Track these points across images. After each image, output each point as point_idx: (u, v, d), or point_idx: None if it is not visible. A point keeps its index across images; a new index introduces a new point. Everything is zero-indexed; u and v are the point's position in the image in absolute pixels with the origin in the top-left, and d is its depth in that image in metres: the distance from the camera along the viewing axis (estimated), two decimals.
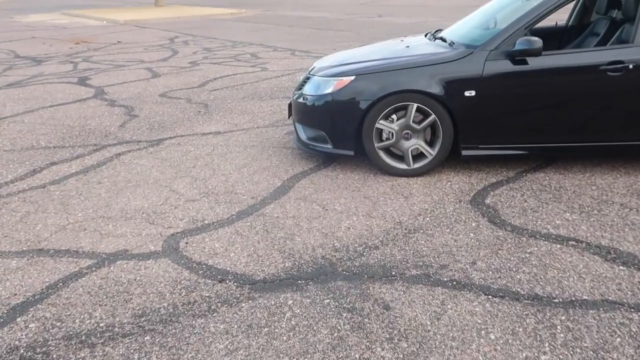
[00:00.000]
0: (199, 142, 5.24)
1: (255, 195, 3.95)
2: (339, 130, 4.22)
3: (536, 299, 2.59)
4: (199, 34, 14.72)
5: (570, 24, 5.12)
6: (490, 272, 2.84)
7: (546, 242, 3.12)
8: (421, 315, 2.51)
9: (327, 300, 2.65)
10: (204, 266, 3.01)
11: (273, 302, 2.65)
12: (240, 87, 7.64)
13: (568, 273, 2.80)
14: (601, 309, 2.49)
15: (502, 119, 3.97)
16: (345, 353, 2.29)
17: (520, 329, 2.38)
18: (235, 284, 2.83)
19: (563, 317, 2.45)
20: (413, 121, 4.04)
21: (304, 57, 10.14)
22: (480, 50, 3.92)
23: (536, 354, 2.23)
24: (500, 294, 2.64)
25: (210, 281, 2.86)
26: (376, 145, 4.13)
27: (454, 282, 2.76)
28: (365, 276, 2.86)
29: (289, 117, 4.84)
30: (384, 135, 4.14)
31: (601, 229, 3.24)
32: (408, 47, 4.55)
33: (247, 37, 13.40)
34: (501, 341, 2.31)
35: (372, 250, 3.12)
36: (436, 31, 4.97)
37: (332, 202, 3.78)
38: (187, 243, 3.28)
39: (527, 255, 2.98)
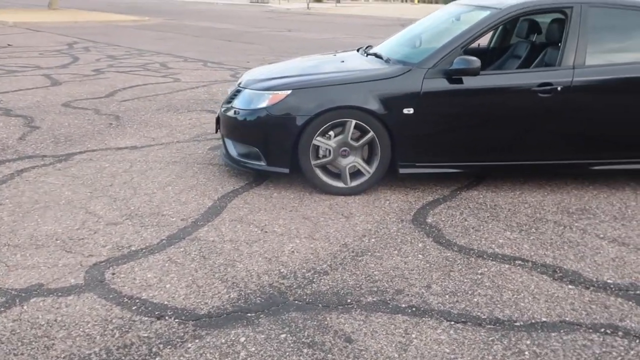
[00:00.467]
0: (113, 157, 4.79)
1: (185, 217, 3.63)
2: (273, 147, 4.01)
3: (498, 323, 2.53)
4: (100, 40, 13.87)
5: (491, 45, 5.28)
6: (447, 296, 2.75)
7: (494, 262, 3.10)
8: (387, 347, 2.35)
9: (284, 335, 2.42)
10: (137, 301, 2.67)
11: (223, 340, 2.38)
12: (153, 98, 7.18)
13: (522, 294, 2.77)
14: (562, 331, 2.47)
15: (439, 137, 3.96)
16: None
17: (490, 357, 2.29)
18: (176, 320, 2.52)
19: (528, 342, 2.39)
20: (351, 138, 3.92)
21: (217, 69, 9.81)
22: (418, 68, 3.89)
23: None
24: (462, 320, 2.55)
25: (147, 318, 2.53)
26: (313, 162, 3.96)
27: (413, 308, 2.64)
28: (320, 305, 2.66)
29: (216, 132, 4.56)
30: (321, 153, 3.98)
31: (542, 247, 3.28)
32: (343, 62, 4.44)
33: (153, 46, 12.81)
34: None
35: (322, 275, 2.93)
36: (367, 47, 4.92)
37: (271, 224, 3.56)
38: (113, 274, 2.91)
39: (479, 277, 2.94)
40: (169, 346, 2.33)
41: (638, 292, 2.81)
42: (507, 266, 3.06)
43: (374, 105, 3.84)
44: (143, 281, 2.84)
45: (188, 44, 13.42)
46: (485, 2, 4.35)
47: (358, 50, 4.89)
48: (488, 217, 3.71)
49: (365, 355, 2.29)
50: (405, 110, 3.85)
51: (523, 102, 3.88)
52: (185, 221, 3.57)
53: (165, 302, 2.66)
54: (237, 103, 4.17)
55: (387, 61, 4.18)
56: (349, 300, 2.70)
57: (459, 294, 2.77)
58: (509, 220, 3.66)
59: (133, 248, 3.20)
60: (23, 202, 3.80)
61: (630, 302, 2.71)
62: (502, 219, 3.68)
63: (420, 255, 3.17)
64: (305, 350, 2.32)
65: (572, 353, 2.32)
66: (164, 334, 2.41)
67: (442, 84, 3.85)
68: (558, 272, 3.00)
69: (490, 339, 2.42)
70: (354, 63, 4.36)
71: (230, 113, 4.19)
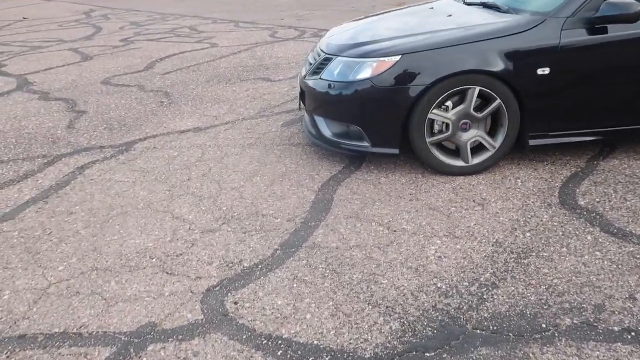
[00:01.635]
0: (179, 143, 4.21)
1: (292, 217, 3.06)
2: (379, 125, 3.38)
3: None
4: (116, 6, 13.08)
5: None
6: None
7: None
8: None
9: None
10: (279, 342, 2.13)
11: None
12: (197, 69, 6.53)
13: None
14: None
15: (578, 100, 3.30)
16: None
17: None
18: None
19: None
20: (474, 108, 3.28)
21: (252, 29, 9.07)
22: (554, 18, 3.20)
23: None
24: None
25: None
26: (428, 140, 3.34)
27: (632, 333, 2.07)
28: (511, 335, 2.10)
29: (300, 108, 3.93)
30: (437, 128, 3.36)
31: None
32: (451, 16, 3.74)
33: (175, 9, 12.02)
34: None
35: (491, 290, 2.37)
36: None
37: (395, 219, 2.98)
38: (236, 303, 2.37)
39: None
40: None
41: None
42: None
43: (501, 68, 3.18)
44: (275, 311, 2.30)
45: (212, 4, 12.59)
46: None
47: None
48: None
49: None
50: (540, 71, 3.19)
51: None
52: (293, 222, 3.00)
53: (316, 342, 2.12)
54: (330, 74, 3.53)
55: (509, 11, 3.48)
56: (544, 326, 2.14)
57: None
58: None
59: (246, 264, 2.65)
60: (96, 208, 3.26)
61: None
62: None
63: (598, 253, 2.58)
64: None
65: None
66: None
67: (585, 36, 3.17)
68: None
69: None
70: (466, 16, 3.66)
71: (321, 86, 3.55)
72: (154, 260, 2.71)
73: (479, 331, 2.14)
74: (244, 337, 2.17)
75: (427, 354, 2.03)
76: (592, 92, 3.28)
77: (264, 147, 4.07)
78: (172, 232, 2.96)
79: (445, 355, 2.02)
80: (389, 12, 4.50)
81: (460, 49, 3.21)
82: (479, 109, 3.30)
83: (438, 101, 3.24)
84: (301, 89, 3.84)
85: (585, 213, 2.94)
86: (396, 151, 3.41)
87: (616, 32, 3.15)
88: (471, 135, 3.36)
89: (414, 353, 2.04)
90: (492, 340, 2.08)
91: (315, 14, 10.30)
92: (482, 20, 3.44)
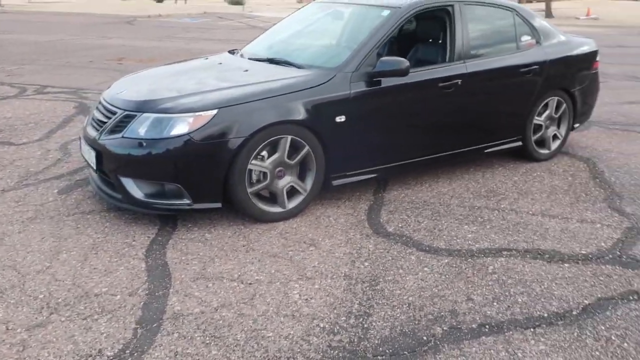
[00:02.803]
0: None
1: (132, 290, 2.76)
2: (200, 180, 3.32)
3: (559, 317, 2.58)
4: None
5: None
6: (496, 303, 2.69)
7: (490, 259, 3.16)
8: None
9: None
10: None
11: None
12: None
13: (545, 284, 2.89)
14: (610, 308, 2.66)
15: (368, 141, 3.81)
16: None
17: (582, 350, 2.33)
18: None
19: (595, 325, 2.51)
20: (287, 156, 3.50)
21: None
22: (342, 72, 3.66)
23: None
24: (540, 322, 2.53)
25: None
26: (249, 190, 3.42)
27: (486, 326, 2.52)
28: (406, 353, 2.33)
29: (96, 170, 3.55)
30: (254, 177, 3.46)
31: (506, 235, 3.46)
32: (247, 70, 3.88)
33: None
34: None
35: (367, 318, 2.57)
36: (234, 50, 4.49)
37: (244, 272, 2.96)
38: None
39: (498, 276, 2.96)
40: None
41: (612, 256, 3.19)
42: (503, 260, 3.14)
43: (308, 117, 3.49)
44: None
45: None
46: (365, 1, 4.32)
47: (232, 52, 4.40)
48: (432, 214, 3.74)
49: None
50: (338, 119, 3.60)
51: (433, 96, 4.00)
52: (136, 295, 2.71)
53: None
54: (134, 132, 3.31)
55: (302, 67, 3.82)
56: (424, 338, 2.43)
57: (501, 299, 2.74)
58: (451, 213, 3.76)
59: (108, 352, 2.29)
60: None
61: (616, 266, 3.07)
62: (445, 213, 3.77)
63: (426, 269, 3.03)
64: None
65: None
66: None
67: (368, 87, 3.70)
68: (543, 254, 3.21)
69: (576, 334, 2.46)
70: (264, 71, 3.85)
71: (127, 145, 3.31)
72: None
73: (379, 357, 2.30)
74: None
75: None
76: (377, 133, 3.83)
77: (51, 219, 3.54)
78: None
79: None
80: (171, 65, 4.43)
81: (271, 101, 3.41)
82: (289, 156, 3.52)
83: (256, 151, 3.36)
84: (95, 150, 3.48)
85: (397, 238, 3.40)
86: (219, 204, 3.39)
87: (383, 83, 3.73)
88: (286, 182, 3.56)
89: None
90: None
91: (26, 69, 9.26)
92: (282, 75, 3.69)
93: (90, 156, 3.54)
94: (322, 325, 2.51)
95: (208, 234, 3.41)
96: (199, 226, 3.49)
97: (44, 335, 2.39)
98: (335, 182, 3.77)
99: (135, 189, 3.36)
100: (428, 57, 4.23)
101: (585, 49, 4.97)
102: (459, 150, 4.30)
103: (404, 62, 3.64)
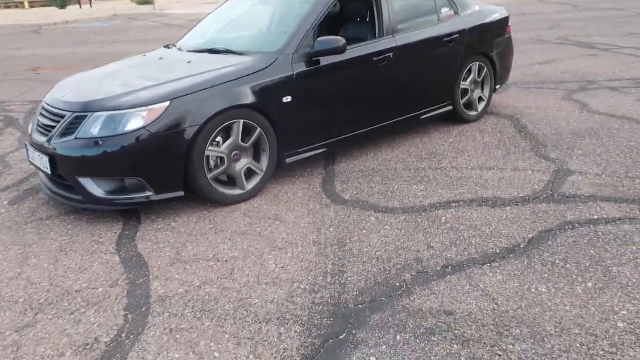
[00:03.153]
0: None
1: (112, 281, 2.84)
2: (161, 171, 3.40)
3: (510, 251, 2.91)
4: None
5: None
6: (455, 248, 2.98)
7: (441, 211, 3.44)
8: (478, 303, 2.48)
9: (400, 334, 2.29)
10: None
11: None
12: None
13: (494, 226, 3.21)
14: (547, 242, 3.02)
15: (314, 118, 4.01)
16: None
17: (531, 276, 2.66)
18: None
19: (541, 255, 2.85)
20: (241, 140, 3.64)
21: None
22: (283, 55, 3.82)
23: None
24: (501, 256, 2.84)
25: None
26: (209, 176, 3.54)
27: (449, 268, 2.79)
28: (384, 299, 2.56)
29: (53, 175, 3.53)
30: (212, 163, 3.58)
31: (452, 189, 3.77)
32: (190, 62, 3.96)
33: None
34: None
35: (342, 275, 2.78)
36: (168, 45, 4.58)
37: (218, 252, 3.09)
38: None
39: (452, 224, 3.25)
40: None
41: (545, 196, 3.57)
42: (453, 211, 3.45)
43: (257, 101, 3.64)
44: None
45: None
46: None
47: (168, 47, 4.48)
48: (382, 180, 4.00)
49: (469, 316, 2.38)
50: (285, 99, 3.78)
51: (369, 71, 4.25)
52: (118, 286, 2.79)
53: None
54: (87, 132, 3.34)
55: (244, 53, 3.95)
56: (397, 284, 2.67)
57: (457, 243, 3.03)
58: (399, 177, 4.04)
59: (105, 339, 2.38)
60: None
61: (550, 204, 3.45)
62: (393, 177, 4.04)
63: (386, 227, 3.28)
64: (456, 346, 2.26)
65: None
66: None
67: (308, 67, 3.89)
68: (487, 201, 3.55)
69: (526, 262, 2.78)
70: (208, 62, 3.94)
71: (81, 145, 3.34)
72: None
73: (361, 306, 2.52)
74: None
75: (342, 337, 2.31)
76: (322, 110, 4.03)
77: (9, 229, 3.51)
78: None
79: (355, 332, 2.34)
80: (109, 65, 4.42)
81: (220, 88, 3.52)
82: (243, 139, 3.66)
83: (211, 138, 3.47)
84: (48, 155, 3.47)
85: (355, 203, 3.63)
86: (181, 193, 3.49)
87: (322, 61, 3.94)
88: (243, 164, 3.70)
89: (331, 341, 2.29)
90: (375, 307, 2.50)
91: None
92: (226, 62, 3.81)
93: (43, 162, 3.52)
94: (302, 287, 2.70)
95: (174, 222, 3.50)
96: (163, 217, 3.57)
97: (35, 333, 2.44)
98: (289, 160, 3.94)
99: (96, 188, 3.40)
100: (359, 34, 4.47)
101: (497, 16, 5.38)
102: (397, 119, 4.58)
103: (341, 40, 3.85)
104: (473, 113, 5.23)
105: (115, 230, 3.42)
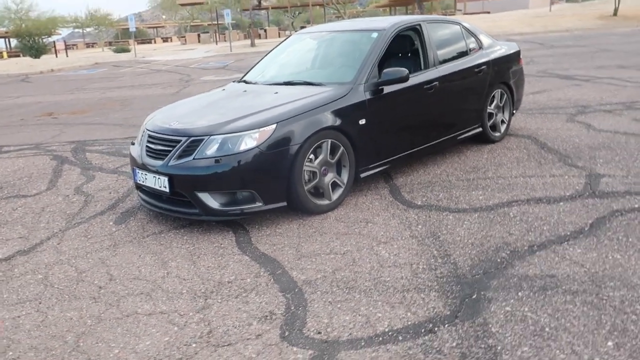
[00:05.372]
0: (36, 267, 3.66)
1: (256, 273, 3.34)
2: (269, 184, 3.96)
3: (571, 238, 3.56)
4: None
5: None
6: (528, 232, 3.61)
7: (509, 209, 4.07)
8: None
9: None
10: None
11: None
12: None
13: (554, 216, 3.86)
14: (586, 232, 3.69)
15: (382, 138, 4.64)
16: None
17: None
18: None
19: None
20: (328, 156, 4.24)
21: None
22: (356, 84, 4.48)
23: None
24: (564, 240, 3.48)
25: None
26: (306, 188, 4.11)
27: (531, 246, 3.41)
28: (492, 270, 3.15)
29: (170, 193, 4.02)
30: (306, 177, 4.15)
31: (508, 193, 4.42)
32: (277, 93, 4.57)
33: None
34: None
35: (450, 257, 3.36)
36: (236, 81, 5.23)
37: (332, 248, 3.63)
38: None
39: (521, 217, 3.87)
40: None
41: (588, 193, 4.25)
42: (515, 208, 4.09)
43: (341, 123, 4.26)
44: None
45: None
46: (348, 26, 5.22)
47: (239, 82, 5.13)
48: (442, 189, 4.63)
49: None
50: (360, 122, 4.41)
51: (421, 97, 4.95)
52: (261, 276, 3.30)
53: (409, 323, 2.69)
54: (208, 152, 3.89)
55: (322, 84, 4.58)
56: (498, 260, 3.27)
57: (531, 230, 3.66)
58: (456, 186, 4.68)
59: (277, 311, 2.89)
60: None
61: (595, 199, 4.13)
62: (451, 186, 4.67)
63: (466, 222, 3.89)
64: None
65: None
66: None
67: (375, 95, 4.55)
68: (541, 200, 4.21)
69: (595, 241, 3.43)
70: (292, 91, 4.56)
71: (203, 165, 3.88)
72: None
73: (477, 276, 3.10)
74: None
75: (474, 297, 2.88)
76: (389, 130, 4.67)
77: (131, 242, 3.97)
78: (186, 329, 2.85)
79: (483, 292, 2.91)
80: (195, 98, 4.99)
81: (313, 112, 4.14)
82: (329, 156, 4.26)
83: (307, 155, 4.06)
84: (167, 175, 3.97)
85: (429, 207, 4.23)
86: (284, 203, 4.04)
87: (390, 89, 4.62)
88: (330, 178, 4.29)
89: (467, 300, 2.86)
90: (489, 276, 3.08)
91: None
92: (310, 92, 4.43)
93: (159, 182, 4.03)
94: (421, 267, 3.27)
95: (278, 229, 4.03)
96: (267, 225, 4.09)
97: (215, 312, 2.92)
98: (363, 175, 4.54)
99: (212, 201, 3.92)
100: (407, 67, 5.16)
101: (512, 49, 6.22)
102: (441, 139, 5.27)
103: (404, 71, 4.54)
104: (497, 134, 5.97)
105: (230, 238, 3.92)
